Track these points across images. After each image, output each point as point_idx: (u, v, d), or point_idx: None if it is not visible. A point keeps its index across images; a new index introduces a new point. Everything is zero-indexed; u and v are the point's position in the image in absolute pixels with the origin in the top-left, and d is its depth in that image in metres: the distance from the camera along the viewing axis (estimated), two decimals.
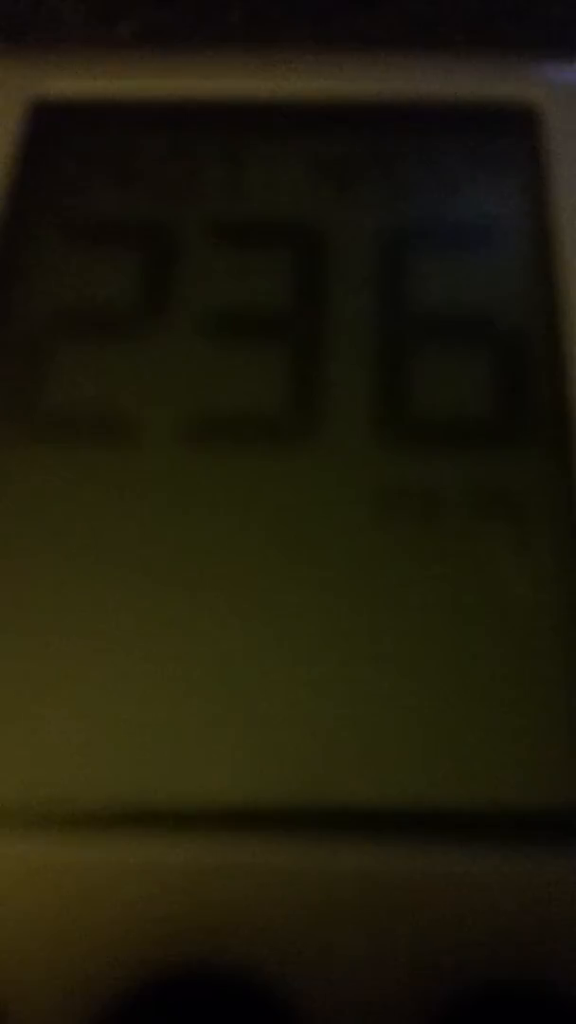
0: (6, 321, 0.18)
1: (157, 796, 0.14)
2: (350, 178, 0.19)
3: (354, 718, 0.15)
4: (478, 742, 0.14)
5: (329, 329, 0.18)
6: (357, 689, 0.15)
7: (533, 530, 0.16)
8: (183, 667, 0.15)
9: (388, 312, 0.18)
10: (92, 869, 0.14)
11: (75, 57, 0.21)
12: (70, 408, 0.17)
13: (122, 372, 0.17)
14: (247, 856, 0.14)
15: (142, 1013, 0.13)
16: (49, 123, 0.19)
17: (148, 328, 0.18)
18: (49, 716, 0.15)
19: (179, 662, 0.15)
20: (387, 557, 0.16)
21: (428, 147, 0.19)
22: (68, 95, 0.20)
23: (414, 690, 0.15)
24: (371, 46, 0.22)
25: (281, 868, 0.14)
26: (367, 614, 0.15)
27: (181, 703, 0.15)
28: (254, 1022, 0.13)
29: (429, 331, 0.18)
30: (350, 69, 0.20)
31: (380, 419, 0.17)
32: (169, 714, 0.15)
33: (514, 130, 0.19)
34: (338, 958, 0.13)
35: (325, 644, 0.15)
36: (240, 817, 0.14)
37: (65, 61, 0.20)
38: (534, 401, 0.17)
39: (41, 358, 0.17)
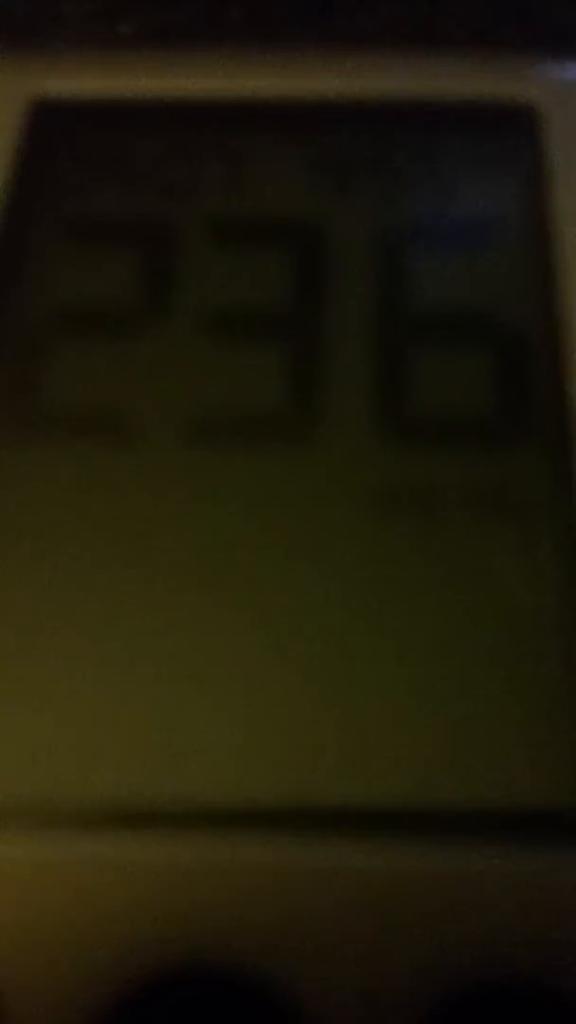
0: (6, 320, 0.18)
1: (156, 796, 0.14)
2: (350, 177, 0.19)
3: (354, 717, 0.15)
4: (478, 742, 0.14)
5: (329, 328, 0.18)
6: (357, 689, 0.15)
7: (533, 529, 0.16)
8: (182, 667, 0.15)
9: (388, 311, 0.18)
10: (91, 868, 0.14)
11: (75, 57, 0.21)
12: (70, 407, 0.17)
13: (122, 371, 0.17)
14: (246, 855, 0.14)
15: (141, 1011, 0.13)
16: (49, 123, 0.19)
17: (148, 327, 0.18)
18: (49, 716, 0.15)
19: (178, 662, 0.15)
20: (386, 556, 0.16)
21: (428, 147, 0.19)
22: (68, 95, 0.20)
23: (414, 690, 0.15)
24: (371, 46, 0.22)
25: (281, 867, 0.14)
26: (366, 613, 0.15)
27: (180, 703, 0.15)
28: (253, 1020, 0.13)
29: (429, 330, 0.18)
30: (350, 69, 0.20)
31: (380, 418, 0.17)
32: (168, 714, 0.15)
33: (514, 129, 0.19)
34: (337, 957, 0.13)
35: (324, 644, 0.15)
36: (240, 817, 0.14)
37: (65, 60, 0.20)
38: (534, 400, 0.17)
39: (41, 357, 0.17)
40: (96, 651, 0.15)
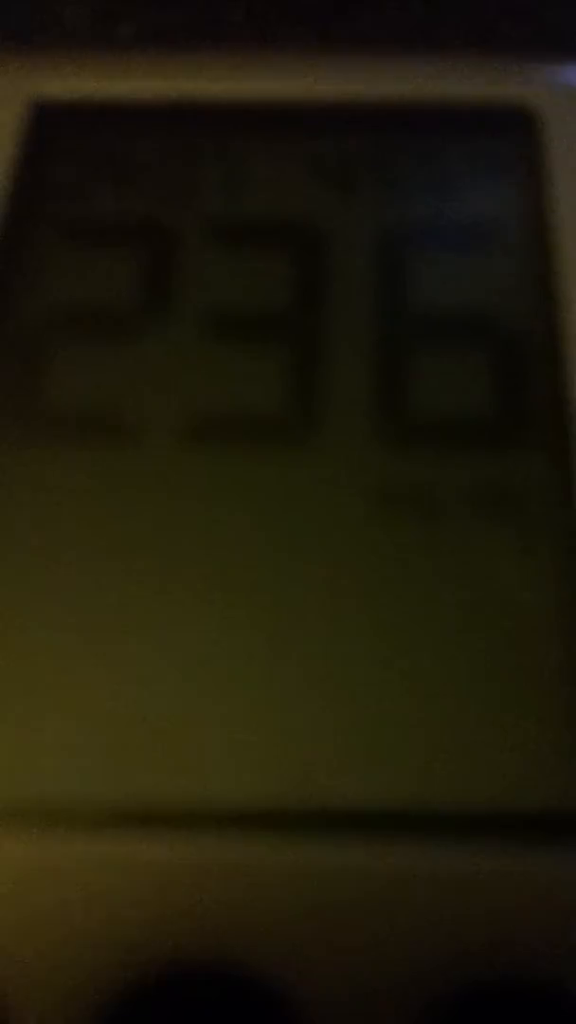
0: (6, 321, 0.18)
1: (157, 796, 0.14)
2: (350, 178, 0.19)
3: (354, 718, 0.15)
4: (478, 742, 0.14)
5: (329, 329, 0.18)
6: (357, 689, 0.15)
7: (533, 530, 0.16)
8: (182, 667, 0.15)
9: (388, 312, 0.18)
10: (92, 869, 0.14)
11: (75, 57, 0.21)
12: (70, 408, 0.17)
13: (122, 372, 0.17)
14: (246, 856, 0.14)
15: (141, 1011, 0.13)
16: (49, 123, 0.19)
17: (148, 328, 0.18)
18: (49, 716, 0.15)
19: (178, 662, 0.15)
20: (387, 557, 0.16)
21: (428, 147, 0.19)
22: (68, 95, 0.20)
23: (415, 690, 0.15)
24: (371, 46, 0.22)
25: (280, 868, 0.14)
26: (367, 615, 0.15)
27: (180, 703, 0.15)
28: (253, 1020, 0.13)
29: (429, 331, 0.18)
30: (350, 69, 0.20)
31: (380, 419, 0.17)
32: (168, 714, 0.15)
33: (513, 131, 0.19)
34: (337, 957, 0.13)
35: (325, 645, 0.15)
36: (239, 817, 0.14)
37: (65, 61, 0.20)
38: (534, 401, 0.17)
39: (41, 358, 0.17)
40: (96, 651, 0.15)
